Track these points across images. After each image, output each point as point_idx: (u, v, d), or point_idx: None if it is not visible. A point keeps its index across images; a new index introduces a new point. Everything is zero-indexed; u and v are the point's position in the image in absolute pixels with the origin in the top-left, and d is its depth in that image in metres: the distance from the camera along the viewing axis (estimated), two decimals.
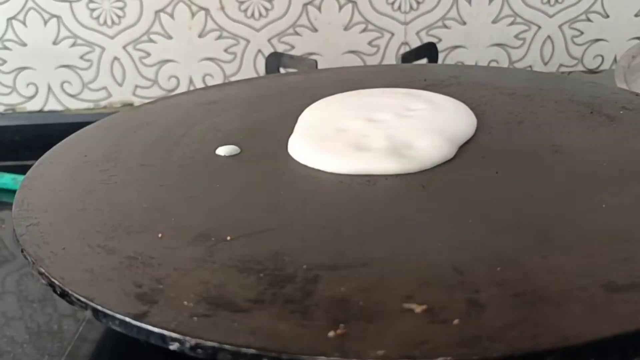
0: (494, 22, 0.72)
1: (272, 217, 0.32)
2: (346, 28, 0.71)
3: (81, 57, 0.71)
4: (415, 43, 0.72)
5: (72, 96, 0.72)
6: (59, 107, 0.72)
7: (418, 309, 0.24)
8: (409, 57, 0.66)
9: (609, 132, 0.40)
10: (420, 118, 0.41)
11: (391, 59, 0.73)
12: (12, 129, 0.69)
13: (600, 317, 0.24)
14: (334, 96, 0.46)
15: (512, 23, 0.72)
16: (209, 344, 0.24)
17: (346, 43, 0.72)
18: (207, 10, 0.70)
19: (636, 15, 0.73)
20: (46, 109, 0.72)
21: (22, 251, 0.31)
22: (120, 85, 0.72)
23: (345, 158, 0.37)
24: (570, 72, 0.74)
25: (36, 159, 0.42)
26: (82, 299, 0.27)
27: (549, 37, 0.73)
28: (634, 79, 0.53)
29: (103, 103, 0.72)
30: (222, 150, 0.40)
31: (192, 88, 0.72)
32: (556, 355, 0.22)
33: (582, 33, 0.73)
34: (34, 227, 0.33)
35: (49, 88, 0.72)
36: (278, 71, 0.66)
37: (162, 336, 0.24)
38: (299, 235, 0.31)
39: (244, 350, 0.23)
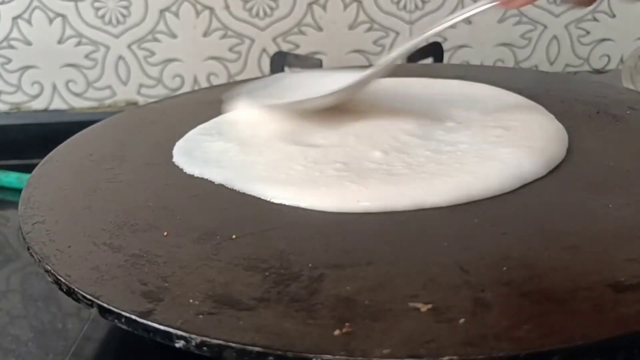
0: (499, 21, 0.72)
1: (278, 216, 0.32)
2: (351, 27, 0.71)
3: (86, 56, 0.71)
4: (420, 42, 0.72)
5: (77, 95, 0.72)
6: (63, 106, 0.72)
7: (424, 307, 0.24)
8: (414, 56, 0.66)
9: (615, 133, 0.39)
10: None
11: None
12: (17, 127, 0.69)
13: (607, 316, 0.24)
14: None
15: (517, 23, 0.72)
16: (215, 342, 0.24)
17: (351, 42, 0.72)
18: (211, 10, 0.70)
19: None
20: (51, 107, 0.72)
21: (28, 249, 0.31)
22: (125, 84, 0.72)
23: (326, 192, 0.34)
24: (576, 72, 0.74)
25: (41, 157, 0.42)
26: (88, 297, 0.27)
27: (555, 36, 0.73)
28: None
29: (108, 102, 0.72)
30: None
31: (196, 87, 0.72)
32: (562, 354, 0.22)
33: (588, 33, 0.73)
34: (40, 225, 0.33)
35: (54, 87, 0.72)
36: (283, 70, 0.66)
37: (168, 334, 0.24)
38: (304, 234, 0.31)
39: (250, 348, 0.23)
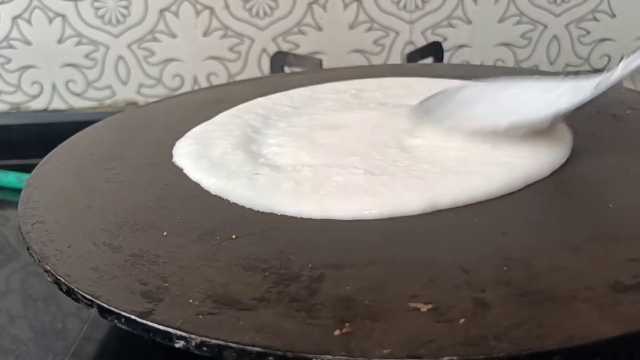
0: (499, 21, 0.72)
1: (277, 216, 0.32)
2: (351, 27, 0.71)
3: (86, 56, 0.71)
4: (420, 42, 0.72)
5: (77, 95, 0.72)
6: (63, 106, 0.72)
7: (424, 308, 0.24)
8: (414, 56, 0.66)
9: (615, 133, 0.39)
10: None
11: (396, 58, 0.72)
12: (17, 127, 0.69)
13: (607, 317, 0.24)
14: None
15: (518, 22, 0.72)
16: (215, 342, 0.24)
17: (351, 42, 0.72)
18: (211, 9, 0.70)
19: None
20: (51, 107, 0.72)
21: (27, 249, 0.31)
22: (125, 84, 0.72)
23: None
24: (576, 72, 0.74)
25: (41, 157, 0.42)
26: (88, 297, 0.27)
27: (555, 36, 0.73)
28: None
29: (108, 102, 0.72)
30: None
31: (196, 87, 0.72)
32: (562, 355, 0.22)
33: (588, 32, 0.73)
34: (39, 225, 0.33)
35: (54, 87, 0.72)
36: (283, 70, 0.66)
37: (168, 334, 0.24)
38: (304, 234, 0.31)
39: (250, 348, 0.23)
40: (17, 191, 0.38)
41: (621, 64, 0.35)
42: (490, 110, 0.38)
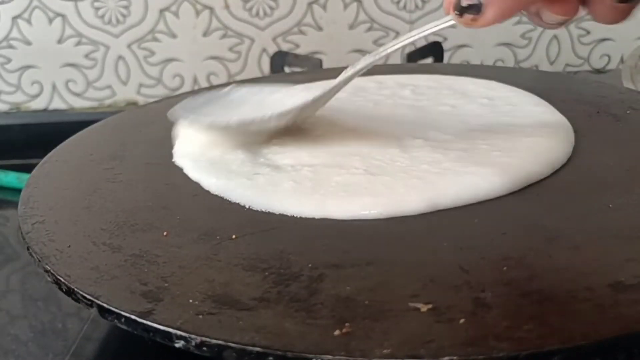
0: None
1: (277, 216, 0.32)
2: (351, 27, 0.71)
3: (86, 56, 0.71)
4: (420, 42, 0.72)
5: (77, 95, 0.72)
6: (63, 106, 0.72)
7: (424, 308, 0.24)
8: (414, 56, 0.66)
9: (615, 133, 0.39)
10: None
11: (396, 58, 0.72)
12: (17, 127, 0.69)
13: (607, 317, 0.24)
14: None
15: (518, 22, 0.72)
16: (215, 342, 0.24)
17: (351, 42, 0.72)
18: (211, 9, 0.70)
19: None
20: (51, 107, 0.72)
21: (27, 249, 0.31)
22: (125, 84, 0.72)
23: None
24: (576, 72, 0.74)
25: (41, 157, 0.42)
26: (88, 297, 0.27)
27: (555, 36, 0.73)
28: None
29: (107, 102, 0.72)
30: None
31: (196, 87, 0.72)
32: (562, 355, 0.22)
33: (588, 32, 0.73)
34: (39, 224, 0.33)
35: (54, 87, 0.72)
36: (283, 70, 0.66)
37: (168, 334, 0.24)
38: (304, 234, 0.31)
39: (249, 348, 0.23)
40: (17, 191, 0.38)
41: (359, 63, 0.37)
42: (239, 110, 0.39)
